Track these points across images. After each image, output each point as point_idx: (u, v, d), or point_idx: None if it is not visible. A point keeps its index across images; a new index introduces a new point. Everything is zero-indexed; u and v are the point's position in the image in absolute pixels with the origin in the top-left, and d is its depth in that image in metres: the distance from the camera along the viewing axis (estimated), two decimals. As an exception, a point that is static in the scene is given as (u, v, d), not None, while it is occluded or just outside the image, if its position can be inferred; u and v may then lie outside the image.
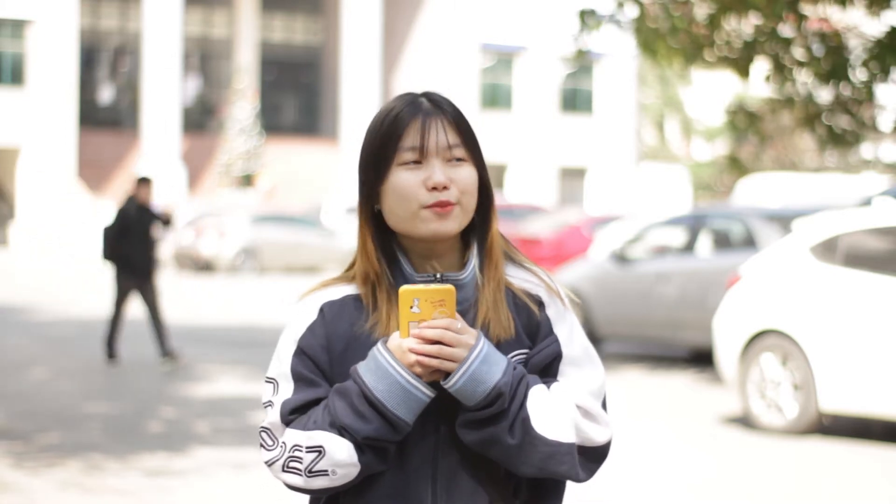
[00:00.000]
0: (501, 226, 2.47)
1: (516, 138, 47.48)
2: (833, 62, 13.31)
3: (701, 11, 13.38)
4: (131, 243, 12.97)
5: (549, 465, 2.33)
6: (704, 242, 14.36)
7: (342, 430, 2.31)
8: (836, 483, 8.23)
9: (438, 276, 2.38)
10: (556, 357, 2.41)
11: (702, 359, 14.26)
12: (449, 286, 2.30)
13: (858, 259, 9.52)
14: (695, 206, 37.73)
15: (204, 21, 46.86)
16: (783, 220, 13.56)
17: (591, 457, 2.39)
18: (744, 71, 13.58)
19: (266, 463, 2.39)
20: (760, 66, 13.80)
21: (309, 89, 49.03)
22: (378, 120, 2.39)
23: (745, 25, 13.42)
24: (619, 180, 48.73)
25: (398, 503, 2.36)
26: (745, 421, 10.18)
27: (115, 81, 46.02)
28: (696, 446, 9.43)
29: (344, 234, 32.17)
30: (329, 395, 2.35)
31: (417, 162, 2.35)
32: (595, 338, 14.52)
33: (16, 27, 40.74)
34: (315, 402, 2.37)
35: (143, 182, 13.14)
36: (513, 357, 2.37)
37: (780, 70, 13.51)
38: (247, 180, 41.85)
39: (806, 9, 13.22)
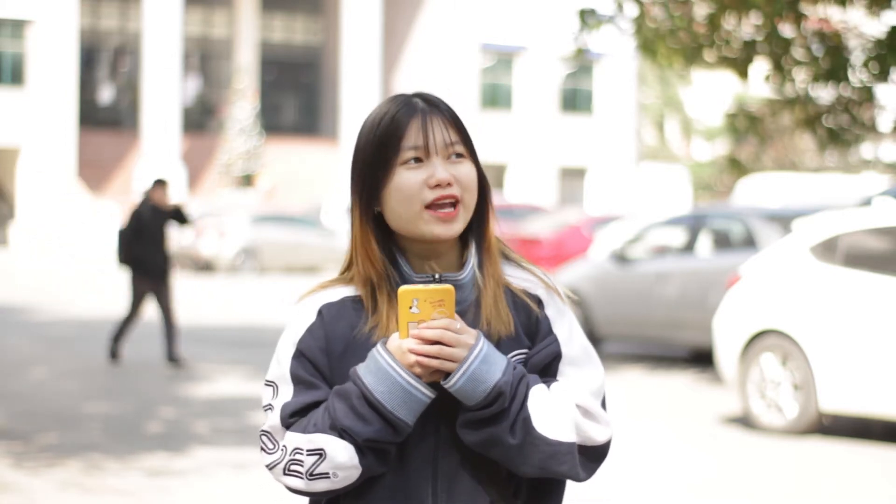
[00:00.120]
0: (501, 226, 2.47)
1: (516, 138, 47.47)
2: (833, 62, 13.31)
3: (701, 11, 13.38)
4: (145, 245, 12.93)
5: (550, 464, 2.33)
6: (704, 242, 14.36)
7: (343, 433, 2.30)
8: (836, 483, 8.23)
9: (437, 276, 2.38)
10: (556, 357, 2.41)
11: (702, 359, 14.26)
12: (448, 286, 2.30)
13: (858, 259, 9.52)
14: (695, 206, 37.75)
15: (204, 21, 46.85)
16: (783, 220, 13.56)
17: (592, 456, 2.39)
18: (743, 71, 13.58)
19: (267, 466, 2.38)
20: (760, 66, 13.80)
21: (309, 89, 49.03)
22: (373, 123, 2.38)
23: (745, 25, 13.41)
24: (619, 180, 48.72)
25: (399, 504, 2.36)
26: (745, 421, 10.18)
27: (115, 81, 46.01)
28: (696, 446, 9.43)
29: (344, 234, 32.17)
30: (329, 398, 2.34)
31: (419, 160, 2.35)
32: (595, 338, 14.53)
33: (16, 27, 40.73)
34: (315, 405, 2.36)
35: (158, 184, 13.10)
36: (512, 357, 2.37)
37: (780, 70, 13.50)
38: (247, 180, 41.85)
39: (806, 9, 13.21)
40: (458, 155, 2.37)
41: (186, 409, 10.53)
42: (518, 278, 2.44)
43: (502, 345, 2.37)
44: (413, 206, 2.34)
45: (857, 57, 13.47)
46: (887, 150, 42.43)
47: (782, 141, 42.21)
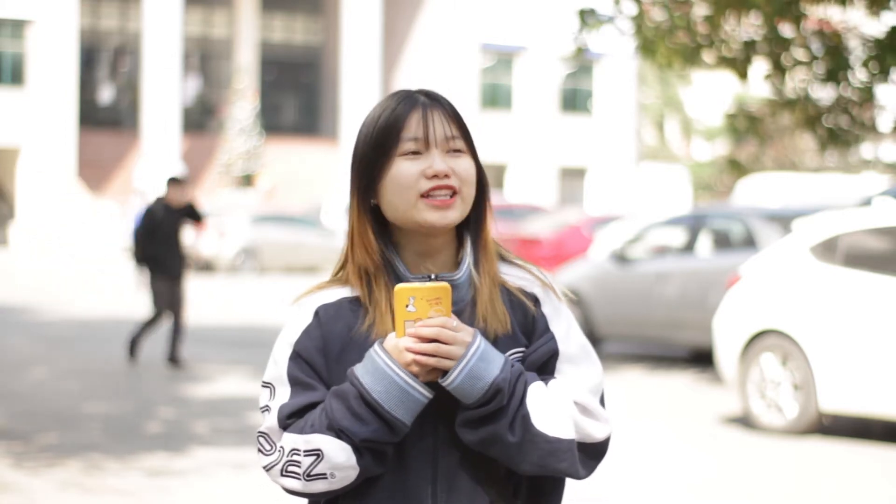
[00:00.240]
0: (501, 226, 2.47)
1: (516, 138, 47.48)
2: (833, 62, 13.30)
3: (700, 11, 13.37)
4: (158, 244, 12.89)
5: (550, 462, 2.33)
6: (704, 242, 14.36)
7: (340, 433, 2.30)
8: (836, 483, 8.23)
9: (433, 276, 2.37)
10: (553, 354, 2.40)
11: (702, 359, 14.26)
12: (444, 283, 2.29)
13: (858, 259, 9.52)
14: (695, 206, 37.72)
15: (204, 21, 46.85)
16: (783, 220, 13.56)
17: (591, 453, 2.38)
18: (742, 71, 13.57)
19: (264, 467, 2.38)
20: (760, 66, 13.79)
21: (309, 89, 49.03)
22: (375, 116, 2.38)
23: (745, 25, 13.41)
24: (619, 180, 48.72)
25: (398, 504, 2.36)
26: (745, 421, 10.18)
27: (115, 81, 46.01)
28: (696, 446, 9.43)
29: (344, 233, 32.14)
30: (326, 398, 2.34)
31: (417, 153, 2.35)
32: (595, 338, 14.52)
33: (16, 27, 40.73)
34: (312, 406, 2.36)
35: (173, 182, 13.07)
36: (509, 355, 2.37)
37: (780, 70, 13.50)
38: (247, 180, 41.85)
39: (806, 9, 13.21)
40: (458, 150, 2.37)
41: (186, 409, 10.53)
42: (514, 276, 2.44)
43: (499, 343, 2.36)
44: (409, 195, 2.33)
45: (856, 57, 13.46)
46: (887, 150, 42.42)
47: (782, 141, 42.20)
